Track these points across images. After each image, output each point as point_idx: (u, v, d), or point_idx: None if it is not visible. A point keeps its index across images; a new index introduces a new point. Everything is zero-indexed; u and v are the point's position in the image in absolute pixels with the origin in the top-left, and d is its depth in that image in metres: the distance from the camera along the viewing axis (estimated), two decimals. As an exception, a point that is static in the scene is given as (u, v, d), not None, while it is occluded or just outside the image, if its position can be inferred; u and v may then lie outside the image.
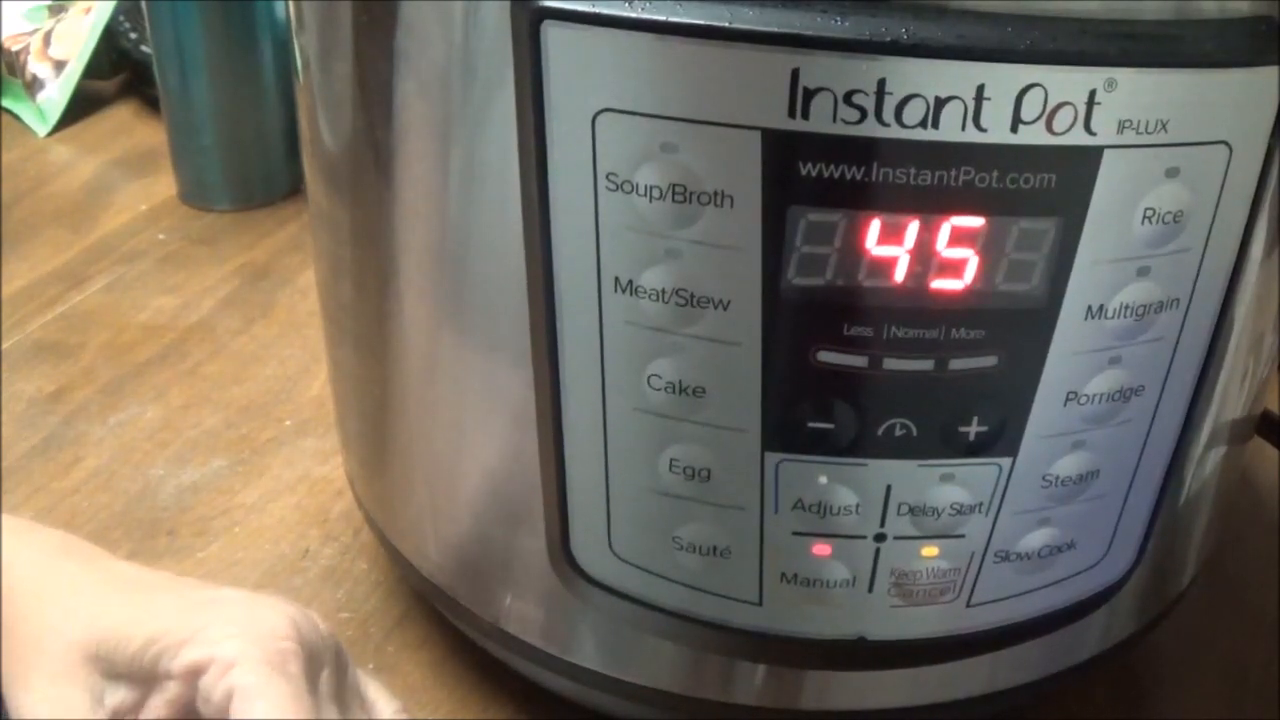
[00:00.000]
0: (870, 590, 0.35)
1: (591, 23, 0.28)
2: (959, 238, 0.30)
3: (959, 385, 0.31)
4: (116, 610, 0.34)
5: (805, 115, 0.28)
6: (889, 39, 0.27)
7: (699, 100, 0.28)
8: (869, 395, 0.32)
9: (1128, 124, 0.28)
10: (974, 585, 0.35)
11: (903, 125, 0.28)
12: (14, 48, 0.88)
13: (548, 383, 0.33)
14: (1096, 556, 0.36)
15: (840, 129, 0.28)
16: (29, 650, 0.34)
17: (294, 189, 0.77)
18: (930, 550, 0.34)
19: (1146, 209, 0.30)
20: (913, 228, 0.29)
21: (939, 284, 0.30)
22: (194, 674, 0.32)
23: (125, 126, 0.86)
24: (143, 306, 0.67)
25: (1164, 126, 0.29)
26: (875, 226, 0.29)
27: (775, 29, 0.27)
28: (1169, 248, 0.31)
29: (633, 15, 0.27)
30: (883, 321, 0.31)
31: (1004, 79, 0.27)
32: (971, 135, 0.28)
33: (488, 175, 0.32)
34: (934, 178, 0.28)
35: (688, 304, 0.31)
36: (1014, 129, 0.28)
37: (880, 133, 0.28)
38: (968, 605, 0.35)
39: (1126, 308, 0.31)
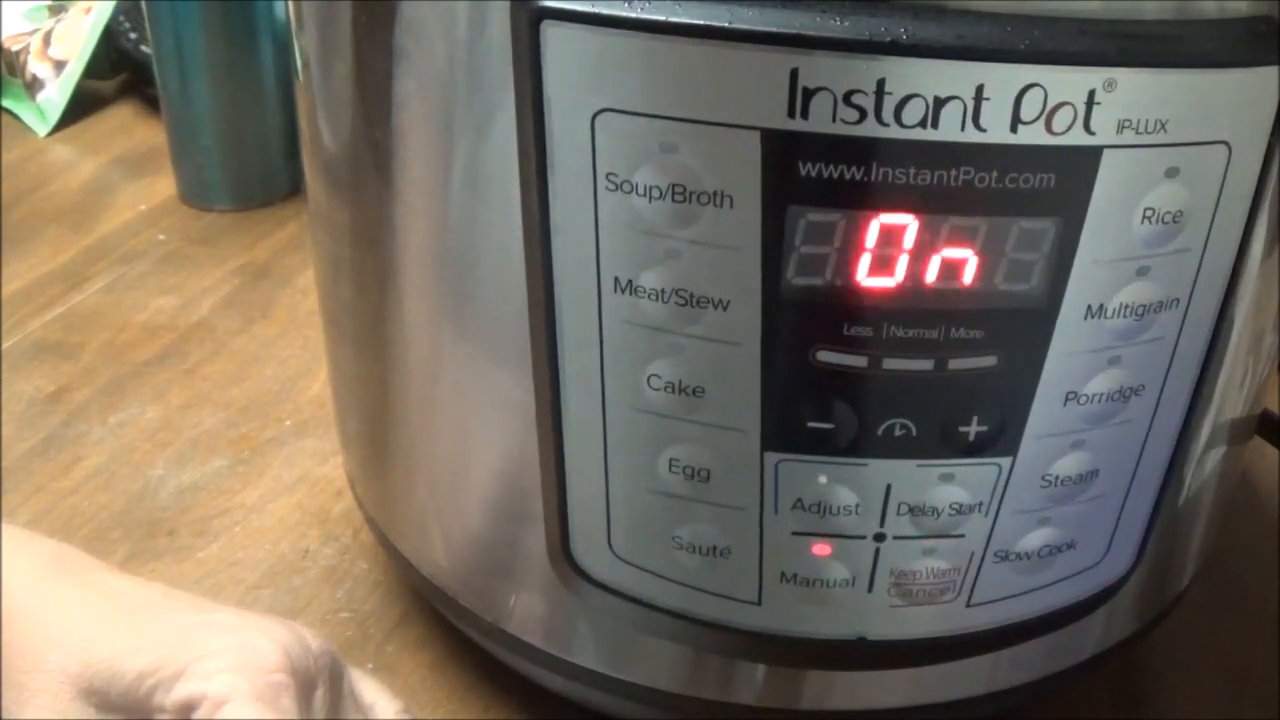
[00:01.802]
0: (870, 590, 0.35)
1: (591, 23, 0.28)
2: (958, 237, 0.30)
3: (959, 385, 0.31)
4: (109, 639, 0.33)
5: (805, 115, 0.28)
6: (888, 39, 0.27)
7: (698, 100, 0.28)
8: (869, 395, 0.32)
9: (1127, 124, 0.28)
10: (974, 585, 0.35)
11: (902, 125, 0.28)
12: (14, 48, 0.88)
13: (547, 383, 0.33)
14: (1096, 556, 0.36)
15: (840, 129, 0.28)
16: (21, 677, 0.33)
17: (294, 189, 0.77)
18: (930, 550, 0.34)
19: (1146, 209, 0.30)
20: (912, 228, 0.29)
21: (938, 284, 0.30)
22: (187, 709, 0.32)
23: (125, 126, 0.86)
24: (143, 306, 0.67)
25: (1163, 126, 0.29)
26: (875, 226, 0.29)
27: (775, 29, 0.27)
28: (1169, 248, 0.31)
29: (632, 15, 0.27)
30: (882, 321, 0.31)
31: (1003, 79, 0.27)
32: (971, 135, 0.28)
33: (487, 175, 0.32)
34: (933, 178, 0.28)
35: (687, 304, 0.31)
36: (1013, 129, 0.28)
37: (880, 133, 0.28)
38: (967, 605, 0.35)
39: (1126, 307, 0.31)
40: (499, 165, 0.31)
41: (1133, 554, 0.37)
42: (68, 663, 0.33)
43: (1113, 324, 0.31)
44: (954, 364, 0.31)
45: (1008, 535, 0.34)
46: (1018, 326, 0.31)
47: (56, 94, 0.85)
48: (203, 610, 0.36)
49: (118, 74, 0.89)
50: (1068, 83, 0.28)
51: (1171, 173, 0.29)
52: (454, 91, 0.32)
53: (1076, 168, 0.29)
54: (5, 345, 0.63)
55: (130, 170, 0.81)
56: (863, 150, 0.28)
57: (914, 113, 0.28)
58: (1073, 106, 0.28)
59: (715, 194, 0.29)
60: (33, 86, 0.86)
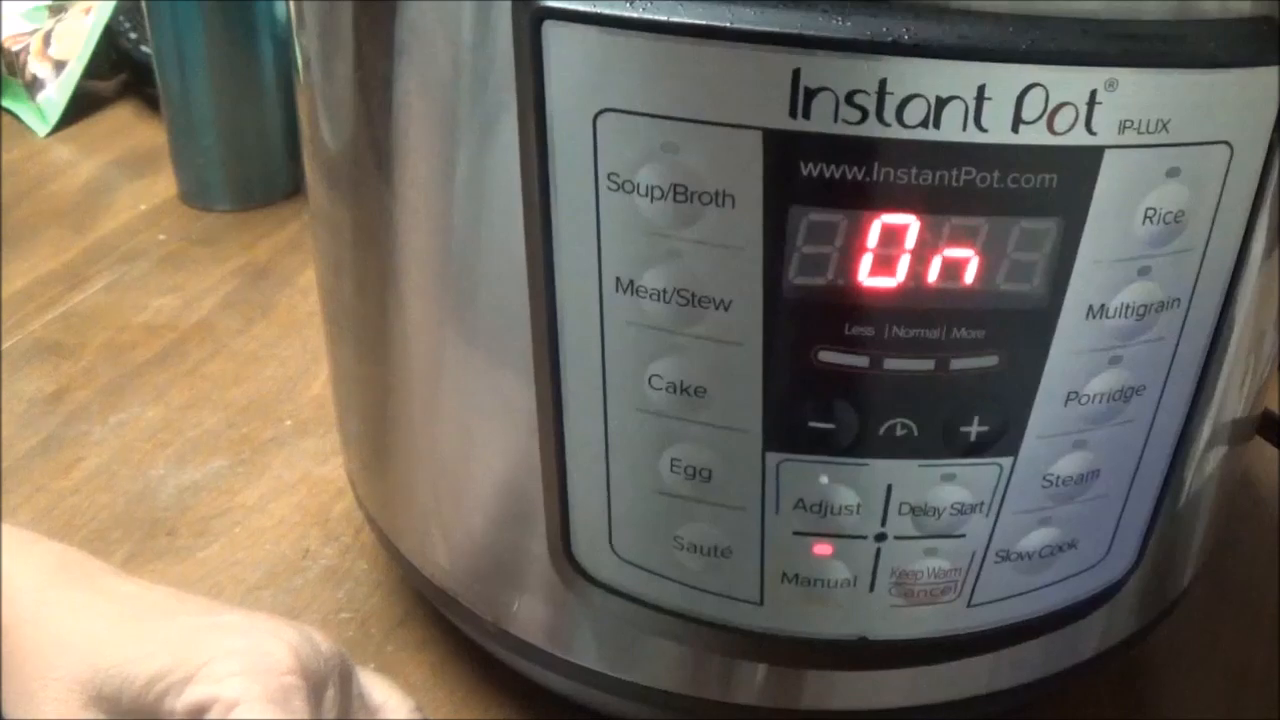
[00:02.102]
0: (871, 590, 0.35)
1: (592, 23, 0.28)
2: (960, 237, 0.30)
3: (960, 385, 0.31)
4: (118, 645, 0.33)
5: (806, 115, 0.28)
6: (890, 39, 0.27)
7: (700, 100, 0.28)
8: (870, 395, 0.32)
9: (1129, 124, 0.28)
10: (975, 585, 0.35)
11: (904, 125, 0.28)
12: (14, 48, 0.88)
13: (549, 383, 0.33)
14: (1097, 556, 0.36)
15: (841, 129, 0.28)
16: (30, 684, 0.33)
17: (294, 189, 0.77)
18: (931, 550, 0.34)
19: (1147, 209, 0.30)
20: (914, 227, 0.29)
21: (940, 284, 0.30)
22: (198, 712, 0.32)
23: (125, 126, 0.86)
24: (143, 306, 0.67)
25: (1165, 126, 0.29)
26: (876, 226, 0.29)
27: (776, 29, 0.27)
28: (1170, 247, 0.31)
29: (633, 15, 0.27)
30: (884, 321, 0.31)
31: (1005, 79, 0.27)
32: (972, 135, 0.28)
33: (488, 175, 0.32)
34: (935, 178, 0.29)
35: (689, 304, 0.31)
36: (1015, 129, 0.28)
37: (881, 133, 0.28)
38: (968, 605, 0.35)
39: (1127, 307, 0.31)
40: (500, 165, 0.31)
41: (1133, 554, 0.37)
42: (77, 669, 0.33)
43: (1114, 324, 0.31)
44: (955, 364, 0.31)
45: (1009, 535, 0.34)
46: (1019, 326, 0.31)
47: (56, 94, 0.85)
48: (211, 613, 0.36)
49: (118, 74, 0.89)
50: (1069, 83, 0.28)
51: (1173, 173, 0.29)
52: (455, 91, 0.32)
53: (1078, 168, 0.29)
54: (5, 345, 0.63)
55: (130, 170, 0.81)
56: (864, 150, 0.28)
57: (916, 113, 0.28)
58: (1074, 106, 0.28)
59: (717, 194, 0.29)
60: (33, 86, 0.86)
